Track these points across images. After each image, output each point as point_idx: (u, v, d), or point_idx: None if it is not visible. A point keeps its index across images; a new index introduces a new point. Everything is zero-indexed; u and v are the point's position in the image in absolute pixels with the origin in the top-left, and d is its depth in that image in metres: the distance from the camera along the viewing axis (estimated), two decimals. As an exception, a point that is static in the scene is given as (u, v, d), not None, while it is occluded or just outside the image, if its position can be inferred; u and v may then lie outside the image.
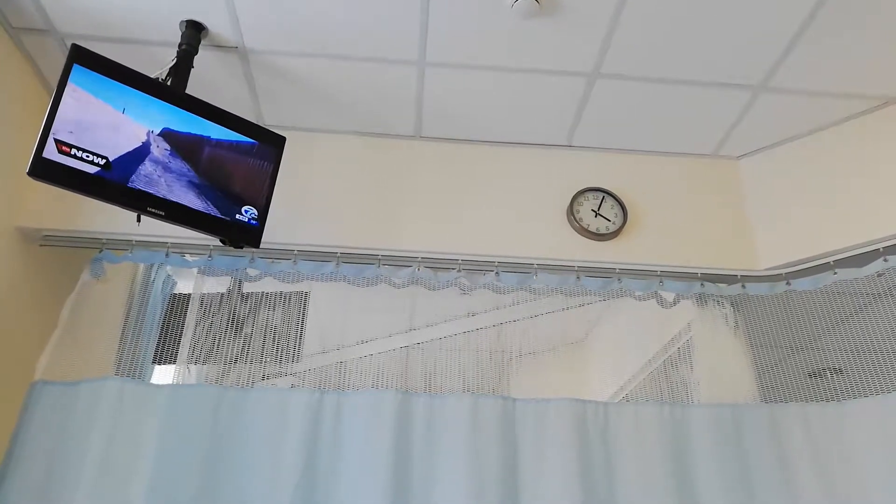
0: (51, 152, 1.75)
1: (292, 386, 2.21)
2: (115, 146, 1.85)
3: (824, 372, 2.48)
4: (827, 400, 2.13)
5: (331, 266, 2.32)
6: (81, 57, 1.84)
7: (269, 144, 2.16)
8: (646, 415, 2.12)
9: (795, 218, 2.40)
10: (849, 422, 2.06)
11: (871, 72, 2.23)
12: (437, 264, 2.37)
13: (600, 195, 2.50)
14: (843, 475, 2.00)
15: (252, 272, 2.32)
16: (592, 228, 2.43)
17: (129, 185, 1.87)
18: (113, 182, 1.84)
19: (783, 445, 2.07)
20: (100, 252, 2.28)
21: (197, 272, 2.32)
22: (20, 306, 2.21)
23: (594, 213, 2.46)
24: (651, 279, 2.40)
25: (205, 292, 2.32)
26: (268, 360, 2.26)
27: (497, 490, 1.95)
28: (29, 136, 1.83)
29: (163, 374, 2.31)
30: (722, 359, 2.30)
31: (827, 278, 2.29)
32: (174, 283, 2.46)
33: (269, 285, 2.36)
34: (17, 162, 2.14)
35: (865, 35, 2.10)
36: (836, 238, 2.28)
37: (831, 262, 2.30)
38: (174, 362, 2.24)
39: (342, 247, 2.36)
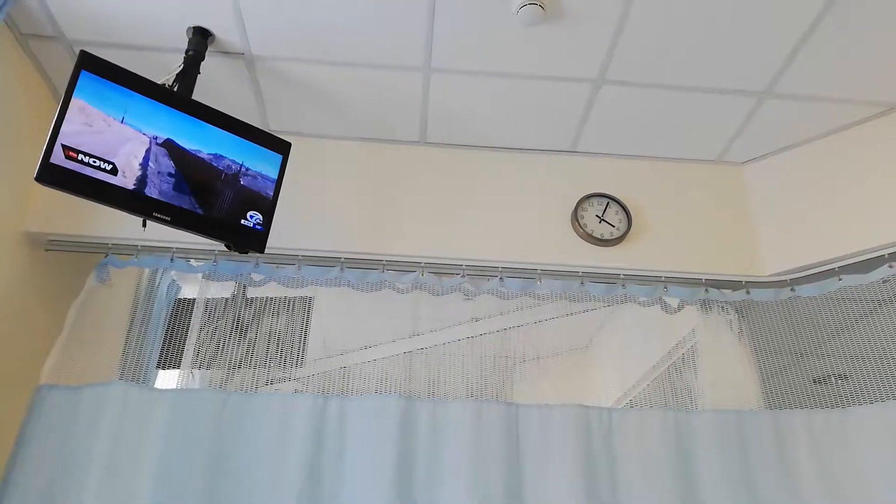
0: (58, 158, 1.76)
1: (296, 391, 2.21)
2: (122, 152, 1.87)
3: (829, 378, 2.46)
4: (832, 406, 2.12)
5: (335, 271, 2.33)
6: (90, 63, 1.85)
7: (275, 150, 2.17)
8: (650, 421, 2.12)
9: (800, 224, 2.40)
10: (854, 428, 2.04)
11: (876, 78, 2.23)
12: (441, 270, 2.38)
13: (605, 201, 2.50)
14: (848, 482, 1.98)
15: (256, 277, 2.33)
16: (597, 234, 2.43)
17: (135, 190, 1.88)
18: (119, 187, 1.85)
19: (788, 452, 2.06)
20: (105, 257, 2.30)
21: (202, 277, 2.33)
22: (26, 310, 2.22)
23: (598, 219, 2.46)
24: (655, 285, 2.40)
25: (209, 297, 2.33)
26: (272, 364, 2.26)
27: (501, 496, 1.95)
28: (37, 142, 1.84)
29: (167, 379, 2.32)
30: (726, 365, 2.29)
31: (832, 284, 2.28)
32: (179, 288, 2.47)
33: (273, 290, 2.36)
34: (24, 167, 2.16)
35: (870, 41, 2.10)
36: (842, 244, 2.28)
37: (836, 269, 2.29)
38: (178, 367, 2.25)
39: (346, 252, 2.36)
